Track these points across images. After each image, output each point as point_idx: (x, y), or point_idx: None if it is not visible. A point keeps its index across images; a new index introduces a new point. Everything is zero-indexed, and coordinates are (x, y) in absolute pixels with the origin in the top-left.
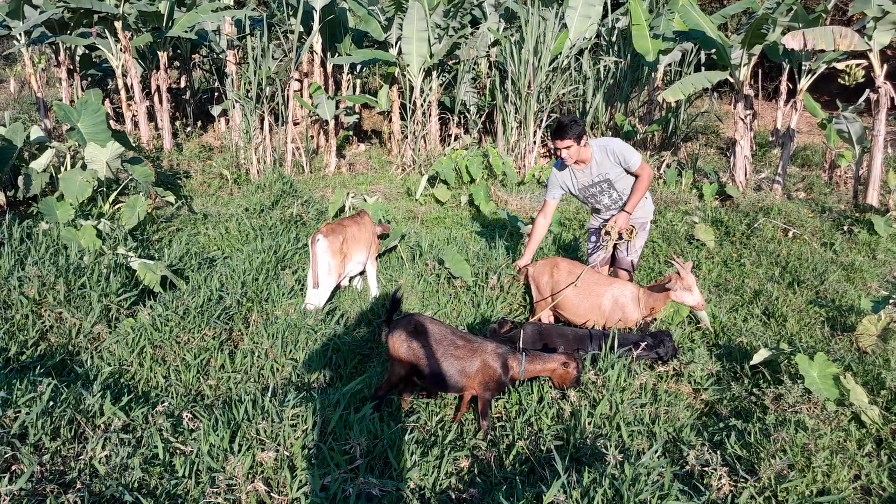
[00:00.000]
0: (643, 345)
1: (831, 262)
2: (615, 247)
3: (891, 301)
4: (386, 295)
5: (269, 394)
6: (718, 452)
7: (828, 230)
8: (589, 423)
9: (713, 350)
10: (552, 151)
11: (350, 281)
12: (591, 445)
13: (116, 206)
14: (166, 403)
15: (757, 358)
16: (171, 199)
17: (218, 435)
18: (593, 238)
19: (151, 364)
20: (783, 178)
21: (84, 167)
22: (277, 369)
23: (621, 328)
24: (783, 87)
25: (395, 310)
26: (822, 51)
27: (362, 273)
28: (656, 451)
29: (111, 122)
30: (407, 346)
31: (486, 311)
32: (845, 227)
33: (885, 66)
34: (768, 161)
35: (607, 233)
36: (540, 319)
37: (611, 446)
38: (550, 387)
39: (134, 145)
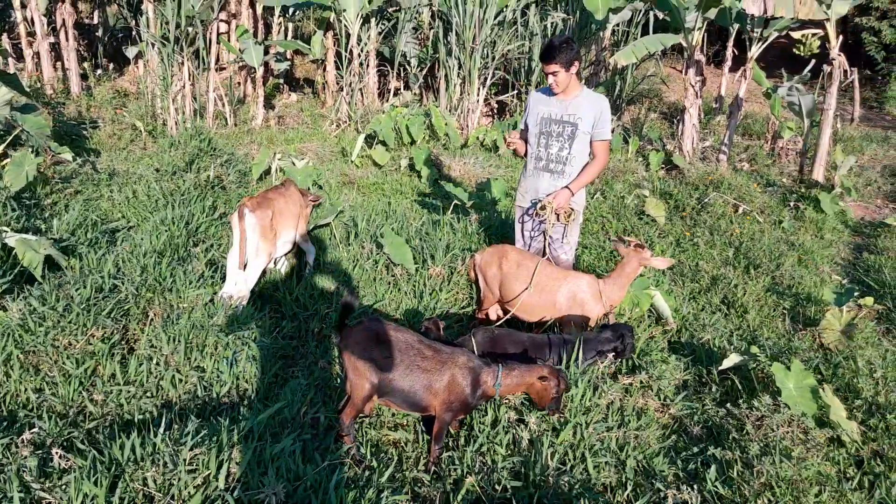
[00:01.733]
0: (610, 354)
1: (782, 242)
2: (548, 243)
3: (855, 294)
4: (326, 285)
5: (161, 429)
6: (696, 488)
7: (775, 206)
8: (551, 454)
9: (676, 349)
10: (495, 111)
11: (274, 263)
12: (555, 485)
13: (2, 163)
14: (36, 429)
15: (726, 363)
16: (69, 155)
17: (94, 482)
18: (526, 221)
19: (21, 374)
20: (729, 148)
21: None
22: (180, 380)
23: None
24: (729, 54)
25: (348, 315)
26: (776, 18)
27: (286, 254)
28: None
29: (10, 60)
30: (368, 359)
31: (428, 302)
32: (791, 204)
33: (840, 38)
34: (712, 129)
35: (543, 207)
36: (487, 315)
37: (576, 484)
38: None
39: (29, 90)
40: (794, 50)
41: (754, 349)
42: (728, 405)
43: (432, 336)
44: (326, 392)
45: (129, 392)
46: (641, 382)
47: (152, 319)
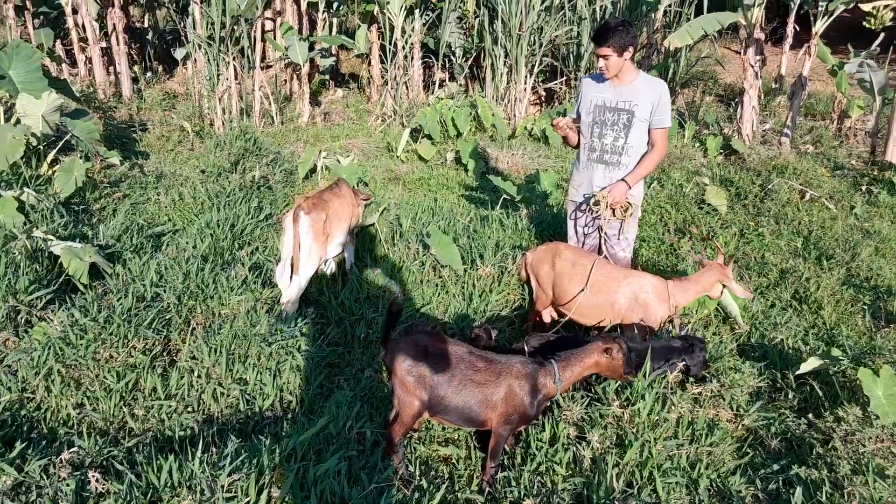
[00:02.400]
0: (681, 364)
1: (856, 230)
2: (603, 239)
3: None
4: (373, 292)
5: (199, 451)
6: None
7: (846, 191)
8: (616, 475)
9: (746, 350)
10: (542, 99)
11: (324, 264)
12: None
13: (53, 169)
14: (75, 448)
15: (805, 367)
16: (116, 159)
17: None
18: (579, 217)
19: (62, 389)
20: (792, 130)
21: (19, 122)
22: (222, 394)
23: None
24: (789, 30)
25: (394, 324)
26: None
27: (335, 256)
28: None
29: (64, 65)
30: (417, 375)
31: (478, 304)
32: (863, 188)
33: None
34: (771, 110)
35: (597, 202)
36: (540, 317)
37: None
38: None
39: (79, 95)
40: (864, 23)
41: (836, 351)
42: (810, 415)
43: (482, 344)
44: (373, 404)
45: (170, 407)
46: (712, 392)
47: (194, 329)
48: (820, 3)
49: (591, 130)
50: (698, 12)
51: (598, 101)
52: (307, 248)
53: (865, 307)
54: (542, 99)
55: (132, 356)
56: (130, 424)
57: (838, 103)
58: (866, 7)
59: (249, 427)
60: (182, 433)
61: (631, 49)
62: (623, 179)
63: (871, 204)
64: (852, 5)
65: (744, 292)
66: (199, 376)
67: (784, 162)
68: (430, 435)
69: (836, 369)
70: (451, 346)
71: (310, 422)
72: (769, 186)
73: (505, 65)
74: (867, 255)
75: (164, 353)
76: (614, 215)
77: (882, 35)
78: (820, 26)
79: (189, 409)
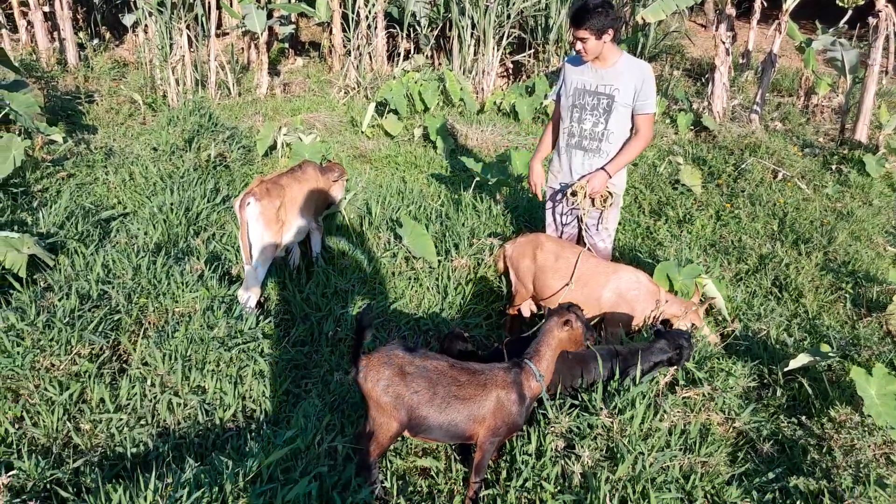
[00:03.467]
0: (673, 369)
1: (829, 212)
2: (582, 229)
3: None
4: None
5: (152, 476)
6: None
7: (817, 170)
8: (609, 491)
9: (732, 345)
10: (511, 71)
11: (286, 252)
12: None
13: None
14: (14, 471)
15: (794, 364)
16: (58, 136)
17: None
18: (557, 205)
19: None
20: (761, 107)
21: None
22: (178, 404)
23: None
24: (757, 6)
25: (363, 338)
26: None
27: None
28: None
29: (4, 32)
30: (394, 395)
31: (454, 298)
32: (833, 167)
33: None
34: (739, 86)
35: (574, 193)
36: (520, 312)
37: None
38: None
39: (20, 64)
40: (838, 2)
41: (825, 347)
42: (802, 417)
43: (458, 349)
44: (344, 412)
45: (120, 420)
46: (703, 395)
47: (146, 330)
48: None
49: (571, 115)
50: None
51: (579, 84)
52: (258, 237)
53: (847, 295)
54: (510, 72)
55: (76, 363)
56: (76, 440)
57: (805, 80)
58: None
59: (209, 441)
60: (134, 450)
61: (610, 31)
62: (603, 168)
63: (841, 184)
64: None
65: (714, 338)
66: (152, 385)
67: (757, 140)
68: (407, 446)
69: (825, 365)
70: (430, 361)
71: (275, 434)
72: (742, 166)
73: (472, 36)
74: (843, 238)
75: (113, 360)
76: (593, 205)
77: (850, 12)
78: (791, 3)
79: (142, 422)
